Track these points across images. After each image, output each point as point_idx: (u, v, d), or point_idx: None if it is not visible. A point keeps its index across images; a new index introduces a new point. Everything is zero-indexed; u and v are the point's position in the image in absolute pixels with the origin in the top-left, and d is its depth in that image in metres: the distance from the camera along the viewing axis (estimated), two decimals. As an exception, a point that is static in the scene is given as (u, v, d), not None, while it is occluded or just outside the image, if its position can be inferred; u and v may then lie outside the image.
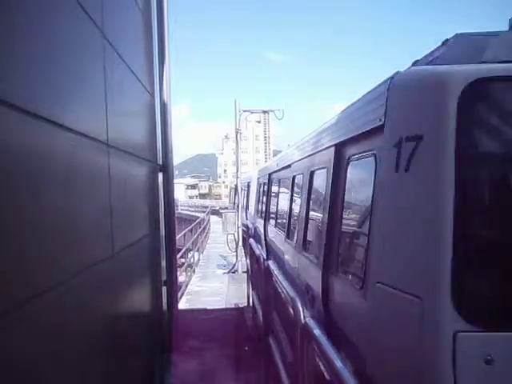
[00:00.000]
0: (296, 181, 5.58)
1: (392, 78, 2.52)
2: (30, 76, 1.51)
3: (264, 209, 9.16)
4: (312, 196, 4.55)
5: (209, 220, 26.34)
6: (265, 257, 5.00)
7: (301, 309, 2.56)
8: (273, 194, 8.37)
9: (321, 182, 4.09)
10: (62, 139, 1.78)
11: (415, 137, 2.19)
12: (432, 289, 1.95)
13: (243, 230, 14.51)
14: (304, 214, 4.61)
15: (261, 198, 10.53)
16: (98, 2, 2.37)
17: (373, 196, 2.58)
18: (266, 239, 8.22)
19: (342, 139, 3.39)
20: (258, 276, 4.95)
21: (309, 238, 4.32)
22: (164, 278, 4.57)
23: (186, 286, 11.64)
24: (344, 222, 3.31)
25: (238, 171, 15.33)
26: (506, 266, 2.01)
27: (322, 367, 2.16)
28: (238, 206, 14.91)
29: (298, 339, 2.38)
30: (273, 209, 8.08)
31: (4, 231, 1.28)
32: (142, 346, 3.57)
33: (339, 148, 3.48)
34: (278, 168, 7.55)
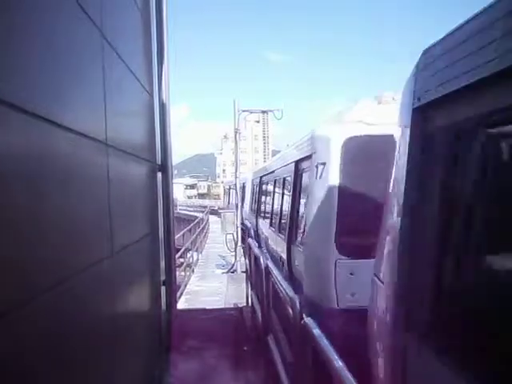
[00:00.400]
0: (276, 183, 8.10)
1: (314, 131, 4.96)
2: (29, 75, 1.51)
3: (256, 205, 11.45)
4: (284, 194, 6.93)
5: (208, 220, 26.32)
6: (258, 247, 5.40)
7: (299, 308, 2.56)
8: (262, 193, 10.76)
9: (287, 184, 6.56)
10: (61, 139, 1.78)
11: (323, 163, 4.49)
12: (327, 241, 4.21)
13: (242, 230, 14.52)
14: (279, 208, 7.12)
15: (254, 196, 12.72)
16: (97, 2, 2.37)
17: (308, 193, 4.79)
18: (257, 230, 10.54)
19: (297, 159, 5.82)
20: (257, 276, 4.96)
21: (281, 223, 6.80)
22: (163, 277, 4.56)
23: (185, 285, 11.63)
24: (296, 210, 5.70)
25: (236, 171, 15.33)
26: (355, 232, 4.15)
27: (320, 367, 2.17)
28: (236, 206, 14.92)
29: (297, 339, 2.38)
30: (262, 205, 10.68)
31: (2, 232, 1.27)
32: (141, 345, 3.57)
33: (296, 164, 5.85)
34: (266, 172, 9.86)
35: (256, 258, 5.07)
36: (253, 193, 13.05)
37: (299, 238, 5.40)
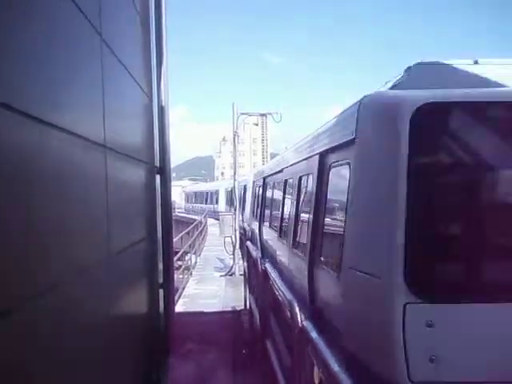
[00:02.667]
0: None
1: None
2: (28, 78, 1.51)
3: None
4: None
5: (206, 222, 26.29)
6: (260, 256, 4.98)
7: (298, 312, 2.55)
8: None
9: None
10: (59, 141, 1.77)
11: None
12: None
13: (240, 233, 14.50)
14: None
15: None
16: (96, 5, 2.37)
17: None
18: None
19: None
20: (255, 279, 4.94)
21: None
22: (161, 280, 4.55)
23: (183, 288, 11.60)
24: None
25: (235, 174, 15.34)
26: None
27: (319, 370, 2.16)
28: (235, 209, 14.92)
29: (295, 342, 2.38)
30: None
31: None
32: (139, 348, 3.55)
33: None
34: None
35: (254, 261, 5.05)
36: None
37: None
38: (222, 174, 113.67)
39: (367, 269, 2.87)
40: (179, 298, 10.16)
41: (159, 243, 4.51)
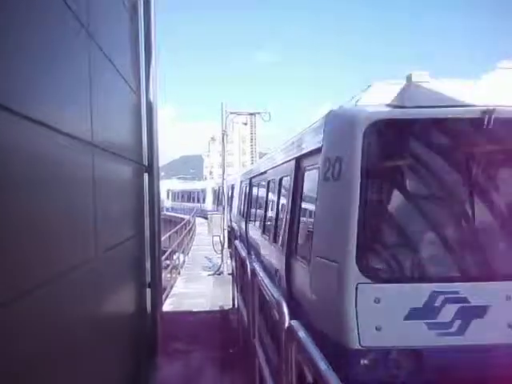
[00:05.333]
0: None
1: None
2: (13, 75, 1.49)
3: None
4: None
5: (194, 222, 26.23)
6: (248, 256, 5.10)
7: (285, 311, 2.56)
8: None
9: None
10: (46, 139, 1.75)
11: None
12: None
13: (229, 232, 14.50)
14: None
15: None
16: (84, 0, 2.34)
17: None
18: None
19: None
20: (243, 278, 4.94)
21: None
22: (148, 279, 4.53)
23: (171, 287, 11.55)
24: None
25: (224, 173, 15.33)
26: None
27: (306, 369, 2.17)
28: (223, 208, 14.92)
29: (283, 341, 2.38)
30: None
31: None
32: (125, 348, 3.53)
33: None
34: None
35: (242, 260, 5.05)
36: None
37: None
38: (211, 173, 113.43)
39: (329, 256, 3.75)
40: (167, 297, 10.13)
41: (147, 242, 4.48)
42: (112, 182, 3.09)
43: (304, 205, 4.98)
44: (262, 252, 7.35)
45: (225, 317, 6.94)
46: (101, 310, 2.63)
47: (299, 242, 4.87)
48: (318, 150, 4.22)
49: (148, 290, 4.51)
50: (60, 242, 1.89)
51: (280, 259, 5.41)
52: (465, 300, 3.58)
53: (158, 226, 4.64)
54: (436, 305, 3.56)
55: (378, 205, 3.89)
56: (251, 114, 16.99)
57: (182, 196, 48.55)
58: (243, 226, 10.89)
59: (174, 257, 13.88)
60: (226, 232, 14.38)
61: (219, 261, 14.47)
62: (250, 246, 9.15)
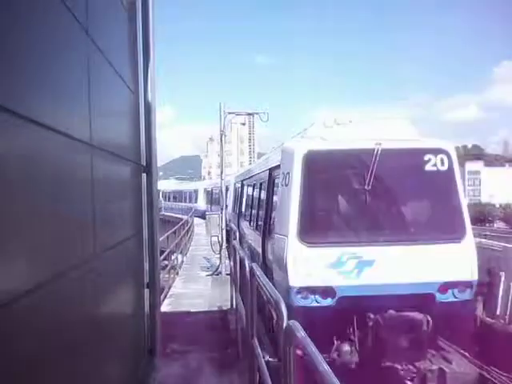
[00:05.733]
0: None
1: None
2: (11, 74, 1.48)
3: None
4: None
5: (192, 222, 26.21)
6: (246, 256, 5.29)
7: (284, 311, 2.56)
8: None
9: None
10: (44, 139, 1.75)
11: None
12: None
13: (227, 232, 14.50)
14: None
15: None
16: (83, 1, 2.34)
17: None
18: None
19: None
20: (242, 278, 4.95)
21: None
22: (147, 280, 4.52)
23: (169, 288, 11.54)
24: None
25: (222, 173, 15.32)
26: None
27: (305, 369, 2.17)
28: (221, 208, 14.92)
29: (281, 341, 2.38)
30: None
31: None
32: (124, 348, 3.52)
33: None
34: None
35: (241, 261, 5.05)
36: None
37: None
38: (209, 173, 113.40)
39: (282, 233, 6.64)
40: (165, 297, 10.11)
41: (145, 242, 4.47)
42: (110, 182, 3.09)
43: (272, 201, 8.18)
44: (248, 238, 10.91)
45: (223, 317, 6.94)
46: (99, 310, 2.63)
47: (268, 226, 8.16)
48: (278, 166, 7.54)
49: (146, 291, 4.51)
50: (59, 241, 1.89)
51: (258, 240, 8.83)
52: (360, 257, 6.66)
53: (156, 226, 4.64)
54: (343, 260, 6.61)
55: (310, 202, 7.02)
56: (249, 115, 16.99)
57: (174, 196, 51.24)
58: (236, 220, 14.21)
59: (172, 257, 13.86)
60: (224, 232, 14.37)
61: (217, 261, 14.46)
62: (241, 235, 11.68)
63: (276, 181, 7.87)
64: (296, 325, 2.11)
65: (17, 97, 1.51)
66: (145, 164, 4.47)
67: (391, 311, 6.55)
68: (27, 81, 1.61)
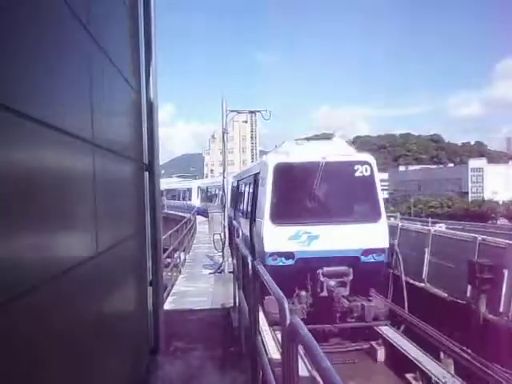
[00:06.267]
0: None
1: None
2: (13, 73, 1.48)
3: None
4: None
5: (195, 220, 26.24)
6: (249, 253, 5.35)
7: (287, 308, 2.56)
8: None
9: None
10: (46, 137, 1.75)
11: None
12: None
13: (229, 230, 14.54)
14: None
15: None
16: (84, 0, 2.34)
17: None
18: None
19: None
20: (245, 276, 4.95)
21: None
22: (150, 278, 4.53)
23: (172, 286, 11.56)
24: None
25: (224, 171, 15.31)
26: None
27: (308, 367, 2.17)
28: (224, 206, 14.94)
29: (284, 338, 2.38)
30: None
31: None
32: (127, 346, 3.53)
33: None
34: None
35: (243, 258, 5.06)
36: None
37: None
38: (212, 171, 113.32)
39: (260, 217, 11.30)
40: (168, 295, 10.13)
41: (148, 240, 4.48)
42: (113, 180, 3.09)
43: (257, 196, 11.83)
44: (242, 226, 14.56)
45: (226, 315, 6.95)
46: (103, 308, 2.63)
47: (253, 214, 12.15)
48: (259, 172, 11.78)
49: (149, 289, 4.52)
50: (60, 241, 1.89)
51: (247, 225, 13.15)
52: (310, 233, 10.75)
53: (159, 224, 4.64)
54: (299, 235, 10.68)
55: (278, 197, 11.03)
56: (251, 113, 16.99)
57: (167, 193, 53.60)
58: (233, 214, 17.45)
59: (175, 255, 13.88)
60: (226, 230, 14.38)
61: (220, 259, 14.47)
62: (237, 225, 15.26)
63: (257, 183, 12.22)
64: (299, 322, 2.10)
65: (18, 95, 1.51)
66: (147, 162, 4.47)
67: (330, 268, 10.81)
68: (28, 80, 1.61)
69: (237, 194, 17.50)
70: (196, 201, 41.99)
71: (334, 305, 10.88)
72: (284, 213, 11.15)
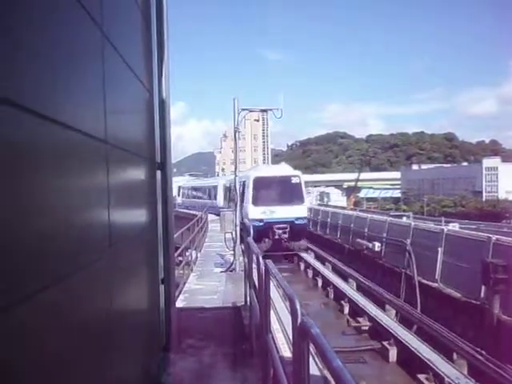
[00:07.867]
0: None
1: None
2: (29, 73, 1.51)
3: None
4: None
5: (206, 218, 26.37)
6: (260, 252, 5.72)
7: (298, 307, 2.56)
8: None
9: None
10: (61, 136, 1.78)
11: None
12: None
13: (241, 229, 14.54)
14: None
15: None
16: (98, 0, 2.36)
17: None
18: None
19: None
20: (256, 274, 4.96)
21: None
22: (162, 275, 4.57)
23: (184, 284, 11.63)
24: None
25: (236, 170, 15.34)
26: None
27: (319, 366, 2.17)
28: (236, 205, 14.95)
29: (295, 337, 2.38)
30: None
31: (1, 229, 1.27)
32: (138, 344, 3.57)
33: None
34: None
35: (255, 256, 5.06)
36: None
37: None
38: (223, 169, 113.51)
39: (246, 202, 25.07)
40: (180, 293, 10.19)
41: (160, 239, 4.52)
42: (125, 178, 3.12)
43: (245, 193, 25.23)
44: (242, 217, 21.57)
45: (237, 313, 6.96)
46: (114, 305, 2.66)
47: (244, 202, 23.88)
48: (245, 180, 25.70)
49: (161, 286, 4.55)
50: (74, 239, 1.92)
51: (241, 208, 17.83)
52: (271, 210, 25.15)
53: (171, 222, 4.68)
54: (265, 211, 25.05)
55: (255, 193, 25.88)
56: (263, 111, 16.97)
57: (185, 191, 56.79)
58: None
59: (187, 253, 13.96)
60: (238, 228, 14.41)
61: (231, 257, 14.51)
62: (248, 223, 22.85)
63: (245, 185, 24.97)
64: (310, 321, 2.10)
65: (33, 95, 1.53)
66: (159, 161, 4.50)
67: (279, 225, 24.82)
68: (43, 80, 1.63)
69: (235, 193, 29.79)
70: (221, 201, 36.97)
71: (281, 243, 24.69)
72: (258, 200, 25.17)
